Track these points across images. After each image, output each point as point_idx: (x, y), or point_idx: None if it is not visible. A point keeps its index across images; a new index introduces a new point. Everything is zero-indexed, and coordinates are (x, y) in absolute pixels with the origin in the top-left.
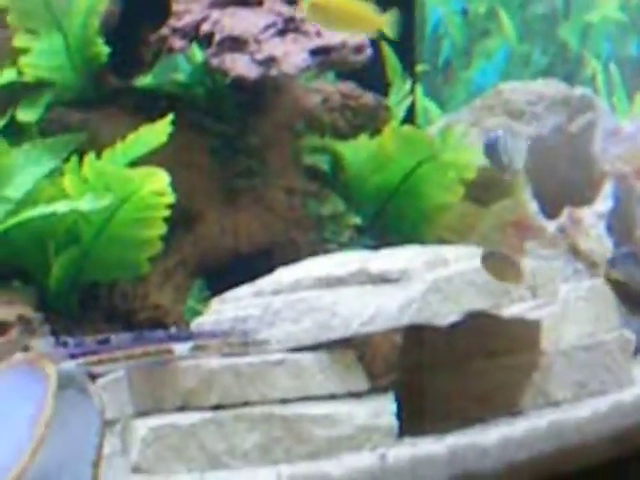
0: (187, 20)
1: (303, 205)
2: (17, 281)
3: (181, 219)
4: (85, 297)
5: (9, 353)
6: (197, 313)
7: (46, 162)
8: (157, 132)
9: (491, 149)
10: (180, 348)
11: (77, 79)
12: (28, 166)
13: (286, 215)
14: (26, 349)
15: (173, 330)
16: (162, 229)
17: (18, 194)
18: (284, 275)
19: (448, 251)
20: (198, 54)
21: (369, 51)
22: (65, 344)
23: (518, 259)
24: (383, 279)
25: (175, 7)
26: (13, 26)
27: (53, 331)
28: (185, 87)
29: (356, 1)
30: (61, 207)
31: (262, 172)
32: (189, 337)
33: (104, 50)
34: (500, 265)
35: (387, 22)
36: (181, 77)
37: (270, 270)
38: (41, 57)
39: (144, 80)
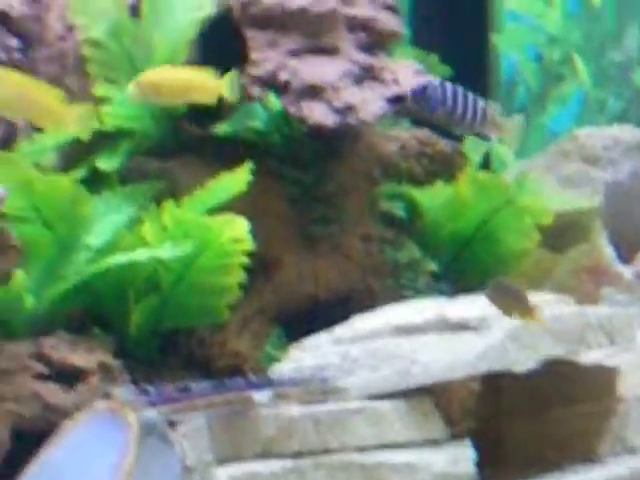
0: (265, 68)
1: (380, 252)
2: (97, 328)
3: (259, 266)
4: (164, 344)
5: (90, 400)
6: (275, 360)
7: (126, 210)
8: (236, 180)
9: (419, 98)
10: (260, 396)
11: (156, 128)
12: (108, 214)
13: (363, 262)
14: (108, 397)
15: (253, 378)
16: (241, 276)
17: (98, 242)
18: (362, 323)
19: None
20: (275, 102)
21: None
22: (146, 392)
23: (526, 293)
24: (461, 326)
25: (253, 55)
26: (93, 75)
27: (133, 378)
28: (262, 134)
29: (188, 70)
30: (141, 255)
31: (339, 219)
32: (269, 385)
33: None
34: (508, 298)
35: (225, 86)
36: (258, 125)
37: (347, 317)
38: (121, 106)
39: (222, 128)
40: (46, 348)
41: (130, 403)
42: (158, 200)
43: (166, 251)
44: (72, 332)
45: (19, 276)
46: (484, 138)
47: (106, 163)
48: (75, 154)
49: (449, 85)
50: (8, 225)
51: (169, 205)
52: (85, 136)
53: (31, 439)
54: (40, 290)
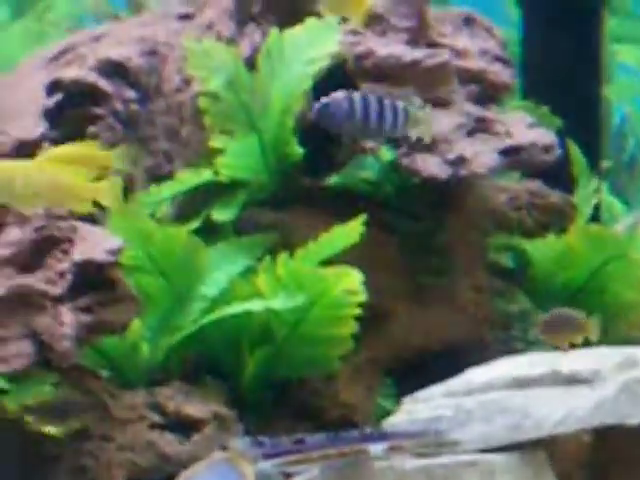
0: None
1: (490, 303)
2: (210, 377)
3: (370, 316)
4: (276, 394)
5: (205, 451)
6: (387, 412)
7: (241, 261)
8: (349, 231)
9: (322, 115)
10: (374, 449)
11: (271, 179)
12: (223, 264)
13: (474, 313)
14: (224, 448)
15: (367, 430)
16: (353, 327)
17: (214, 292)
18: (475, 375)
19: (637, 352)
20: (387, 153)
21: (558, 151)
22: (262, 444)
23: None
24: (574, 379)
25: None
26: (210, 127)
27: (246, 428)
28: (374, 186)
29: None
30: (255, 305)
31: (450, 270)
32: (383, 438)
33: (298, 150)
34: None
35: (111, 157)
36: (370, 175)
37: (458, 368)
38: (236, 157)
39: (334, 179)
40: (162, 398)
41: (246, 454)
42: (272, 251)
43: (280, 302)
44: (186, 380)
45: (135, 326)
46: (407, 140)
47: (221, 214)
48: (190, 205)
49: (357, 96)
50: (125, 275)
51: (283, 256)
52: (118, 211)
53: None
54: (156, 339)
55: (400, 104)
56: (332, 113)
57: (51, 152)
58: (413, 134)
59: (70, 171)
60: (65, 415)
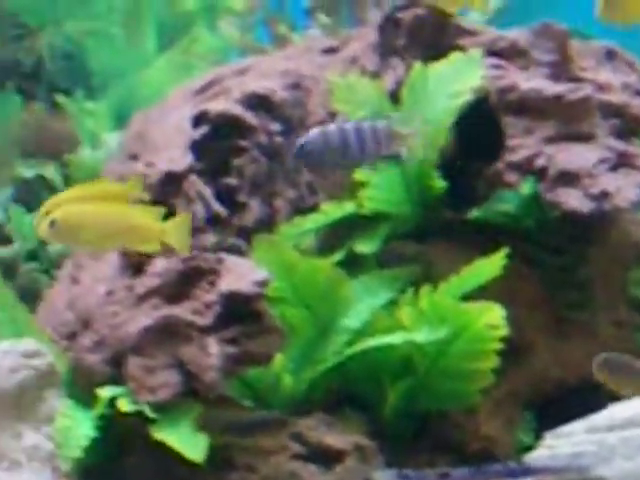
0: (522, 155)
1: (631, 338)
2: (351, 408)
3: (511, 350)
4: (416, 426)
5: None
6: (526, 446)
7: (383, 293)
8: (491, 265)
9: (301, 156)
10: None
11: (413, 212)
12: (366, 297)
13: (614, 348)
14: None
15: (511, 464)
16: (494, 361)
17: (356, 324)
18: (617, 410)
19: None
20: (526, 186)
21: None
22: (406, 477)
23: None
24: None
25: (509, 142)
26: None
27: (386, 460)
28: (515, 219)
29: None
30: (397, 338)
31: (591, 304)
32: (527, 472)
33: (440, 184)
34: (622, 372)
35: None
36: (510, 209)
37: (597, 404)
38: (379, 190)
39: (474, 213)
40: (304, 429)
41: None
42: (414, 284)
43: (422, 335)
44: (328, 412)
45: (279, 357)
46: (396, 157)
47: (364, 246)
48: (333, 237)
49: (333, 127)
50: (270, 307)
51: (426, 289)
52: (185, 250)
53: None
54: (298, 371)
55: (380, 124)
56: (309, 151)
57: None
58: (403, 151)
59: (140, 212)
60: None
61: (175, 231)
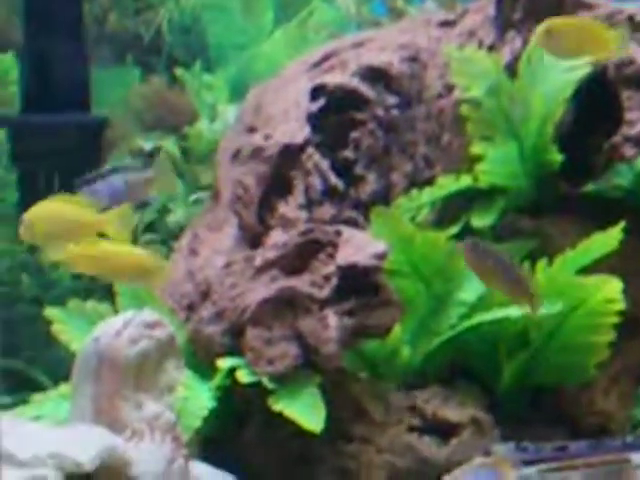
0: (639, 128)
1: None
2: (465, 382)
3: (626, 324)
4: (531, 401)
5: (463, 455)
6: None
7: None
8: (608, 239)
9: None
10: (638, 458)
11: (529, 186)
12: None
13: None
14: (486, 453)
15: (630, 439)
16: (611, 336)
17: (472, 298)
18: None
19: None
20: None
21: None
22: (525, 449)
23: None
24: None
25: (627, 115)
26: (470, 134)
27: (501, 434)
28: (629, 193)
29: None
30: (513, 312)
31: None
32: None
33: (557, 157)
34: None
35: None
36: (625, 183)
37: None
38: (496, 164)
39: (589, 186)
40: (420, 401)
41: (509, 459)
42: (531, 257)
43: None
44: (442, 385)
45: (396, 330)
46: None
47: (480, 220)
48: (449, 210)
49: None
50: (388, 280)
51: (542, 263)
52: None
53: None
54: (414, 344)
55: (117, 178)
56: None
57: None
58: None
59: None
60: None
61: (116, 221)
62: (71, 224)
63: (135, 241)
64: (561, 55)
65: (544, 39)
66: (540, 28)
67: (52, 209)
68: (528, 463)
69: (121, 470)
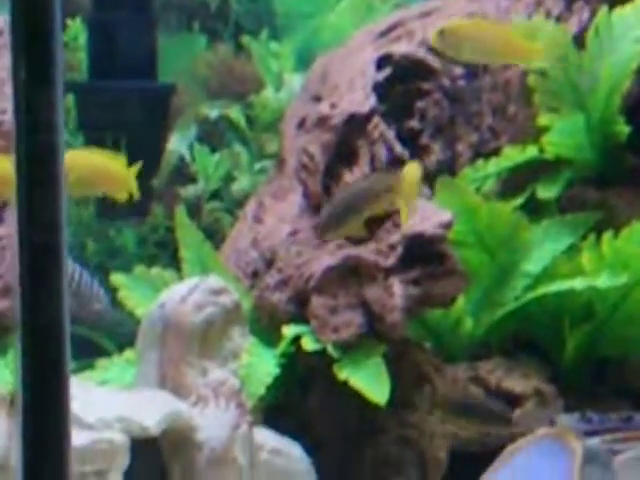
0: None
1: None
2: (529, 353)
3: None
4: (595, 373)
5: (527, 426)
6: None
7: (564, 239)
8: None
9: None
10: None
11: (596, 157)
12: (546, 242)
13: None
14: (551, 423)
15: None
16: None
17: (536, 269)
18: None
19: None
20: None
21: None
22: (589, 420)
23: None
24: None
25: None
26: (537, 105)
27: (565, 405)
28: None
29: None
30: (578, 284)
31: None
32: None
33: (624, 129)
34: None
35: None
36: None
37: None
38: (562, 135)
39: None
40: (483, 372)
41: (573, 430)
42: (596, 229)
43: (603, 281)
44: (505, 356)
45: (460, 300)
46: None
47: (546, 191)
48: (515, 181)
49: None
50: (453, 250)
51: (608, 235)
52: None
53: (465, 461)
54: (478, 314)
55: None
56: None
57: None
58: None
59: None
60: None
61: None
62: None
63: (200, 209)
64: (457, 56)
65: (438, 40)
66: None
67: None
68: (593, 434)
69: (186, 435)
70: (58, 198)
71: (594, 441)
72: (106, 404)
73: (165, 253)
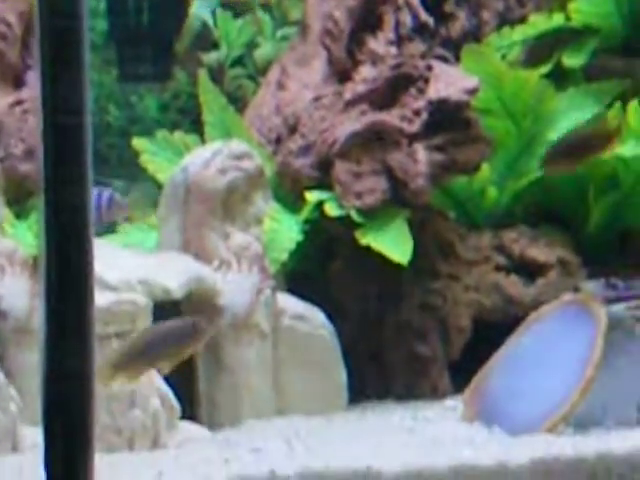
0: None
1: None
2: (553, 223)
3: None
4: (620, 243)
5: (549, 294)
6: None
7: (589, 107)
8: None
9: None
10: None
11: (623, 26)
12: (571, 110)
13: None
14: (576, 290)
15: None
16: None
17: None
18: None
19: None
20: None
21: None
22: (614, 287)
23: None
24: None
25: None
26: None
27: (589, 275)
28: None
29: None
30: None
31: None
32: None
33: None
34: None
35: None
36: None
37: None
38: (589, 3)
39: None
40: (507, 241)
41: (598, 296)
42: (621, 98)
43: (629, 149)
44: (529, 226)
45: (484, 169)
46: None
47: (572, 59)
48: (541, 49)
49: None
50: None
51: (633, 104)
52: None
53: (488, 329)
54: (502, 183)
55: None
56: None
57: None
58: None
59: None
60: None
61: None
62: None
63: (222, 76)
64: None
65: None
66: None
67: None
68: (617, 300)
69: (209, 299)
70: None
71: (618, 307)
72: (129, 266)
73: (187, 120)
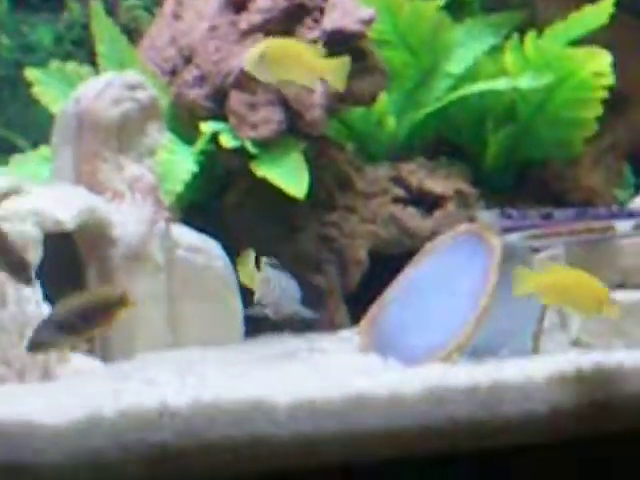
0: None
1: None
2: (452, 156)
3: (614, 102)
4: (518, 176)
5: (447, 226)
6: (624, 201)
7: (487, 39)
8: (599, 12)
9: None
10: (622, 226)
11: None
12: (469, 42)
13: None
14: (471, 220)
15: (615, 208)
16: (599, 110)
17: (458, 70)
18: None
19: None
20: None
21: None
22: (509, 216)
23: None
24: None
25: None
26: None
27: (487, 207)
28: None
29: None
30: (501, 84)
31: None
32: (631, 215)
33: None
34: None
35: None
36: None
37: None
38: None
39: None
40: (405, 173)
41: (493, 227)
42: (520, 29)
43: (526, 81)
44: (428, 158)
45: (382, 100)
46: None
47: None
48: None
49: None
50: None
51: (531, 35)
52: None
53: (385, 261)
54: (400, 115)
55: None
56: None
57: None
58: None
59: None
60: None
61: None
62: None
63: (117, 6)
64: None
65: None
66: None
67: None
68: (512, 230)
69: (102, 231)
70: None
71: (514, 237)
72: (20, 198)
73: (82, 51)
